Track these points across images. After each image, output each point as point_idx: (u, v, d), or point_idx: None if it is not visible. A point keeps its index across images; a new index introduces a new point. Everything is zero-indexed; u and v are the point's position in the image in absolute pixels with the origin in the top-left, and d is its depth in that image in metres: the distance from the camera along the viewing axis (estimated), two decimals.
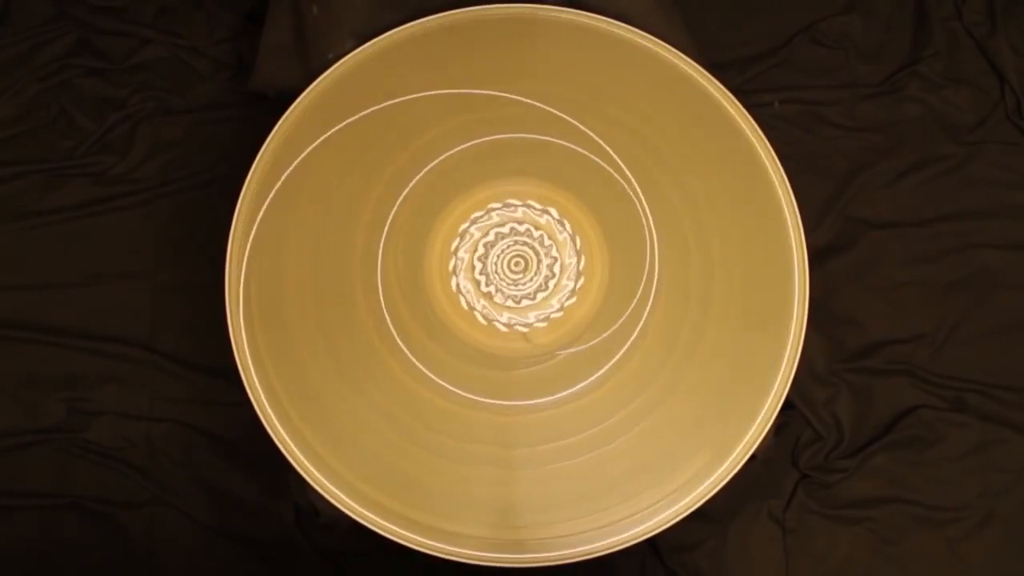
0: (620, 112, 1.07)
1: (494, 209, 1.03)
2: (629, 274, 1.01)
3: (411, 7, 1.13)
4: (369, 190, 1.03)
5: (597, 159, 1.04)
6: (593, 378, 0.97)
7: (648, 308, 1.00)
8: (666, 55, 1.09)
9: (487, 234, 1.02)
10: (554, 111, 1.05)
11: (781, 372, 0.98)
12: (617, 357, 0.98)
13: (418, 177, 1.04)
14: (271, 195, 1.03)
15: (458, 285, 1.01)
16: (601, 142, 1.05)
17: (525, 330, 0.99)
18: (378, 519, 0.93)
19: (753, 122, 1.06)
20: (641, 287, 1.00)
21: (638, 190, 1.03)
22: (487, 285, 1.01)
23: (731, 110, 1.07)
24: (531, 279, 1.01)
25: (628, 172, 1.04)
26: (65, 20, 1.50)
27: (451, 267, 1.01)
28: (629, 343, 0.98)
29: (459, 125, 1.06)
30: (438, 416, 0.97)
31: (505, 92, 1.07)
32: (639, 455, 0.95)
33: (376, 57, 1.08)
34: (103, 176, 1.43)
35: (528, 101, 1.05)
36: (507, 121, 1.06)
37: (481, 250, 1.02)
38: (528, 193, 1.04)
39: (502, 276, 1.01)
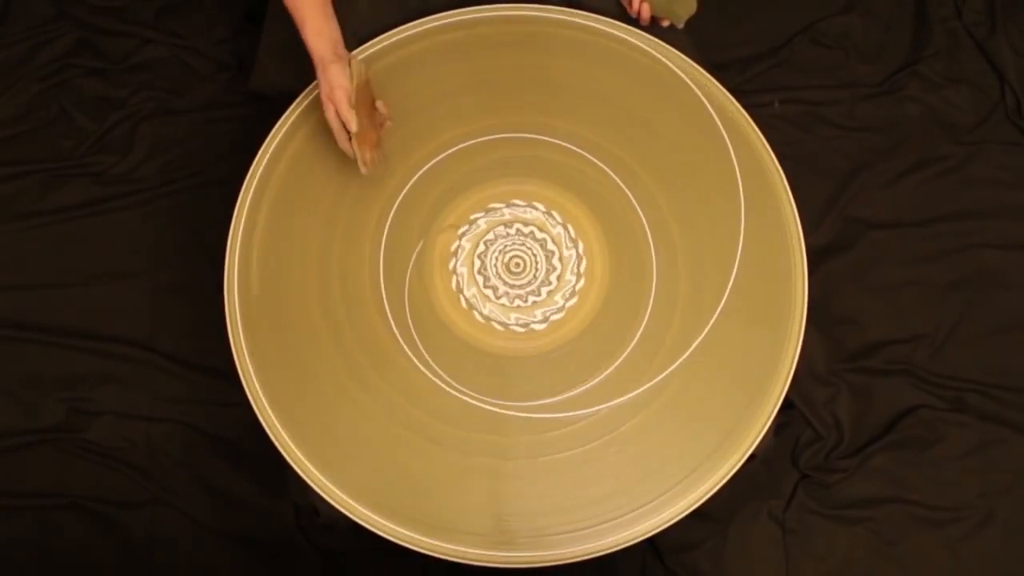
0: (620, 111, 1.07)
1: (489, 212, 1.03)
2: (630, 273, 1.01)
3: (412, 8, 1.13)
4: (369, 188, 1.03)
5: (596, 159, 1.04)
6: (595, 379, 0.97)
7: (648, 309, 1.00)
8: (666, 55, 1.09)
9: (478, 244, 1.02)
10: (559, 142, 1.06)
11: (781, 372, 0.98)
12: (618, 361, 0.98)
13: (417, 177, 1.04)
14: (271, 195, 1.03)
15: (461, 289, 1.00)
16: (599, 140, 1.05)
17: (522, 330, 0.99)
18: (378, 519, 0.93)
19: (753, 122, 1.06)
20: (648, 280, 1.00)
21: (630, 193, 1.03)
22: (486, 285, 1.01)
23: (731, 110, 1.07)
24: (530, 279, 1.01)
25: (626, 172, 1.04)
26: (65, 20, 1.51)
27: (451, 268, 1.01)
28: (630, 346, 0.98)
29: (459, 124, 1.06)
30: (437, 414, 0.96)
31: (505, 92, 1.07)
32: (639, 454, 0.95)
33: (376, 57, 1.08)
34: (103, 176, 1.43)
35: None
36: (506, 122, 1.06)
37: (478, 261, 1.02)
38: (525, 192, 1.04)
39: (501, 276, 1.01)
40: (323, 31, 0.98)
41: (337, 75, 0.95)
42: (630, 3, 1.09)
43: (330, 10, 1.00)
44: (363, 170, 0.97)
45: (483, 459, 0.96)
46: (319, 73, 0.97)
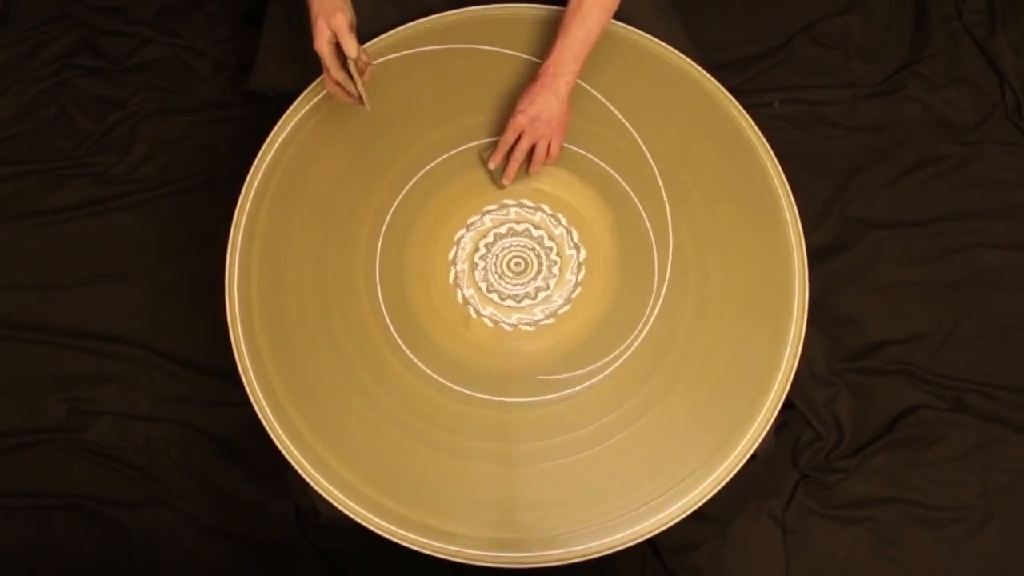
0: (620, 111, 1.07)
1: (489, 211, 1.03)
2: (630, 274, 1.01)
3: (411, 7, 1.13)
4: (368, 189, 1.03)
5: (597, 159, 1.04)
6: (594, 379, 0.97)
7: (649, 308, 1.00)
8: (667, 55, 1.09)
9: (486, 236, 1.02)
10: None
11: (781, 372, 0.98)
12: (619, 358, 0.98)
13: (417, 176, 1.04)
14: (271, 195, 1.03)
15: (458, 285, 1.00)
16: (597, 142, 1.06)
17: (530, 328, 0.99)
18: (378, 519, 0.93)
19: (753, 122, 1.06)
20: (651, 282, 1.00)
21: (630, 192, 1.03)
22: (484, 283, 1.00)
23: (731, 110, 1.07)
24: (531, 279, 1.01)
25: (627, 172, 1.04)
26: (65, 20, 1.51)
27: (451, 268, 1.01)
28: (629, 343, 0.98)
29: (458, 126, 1.06)
30: (438, 414, 0.96)
31: (502, 94, 1.07)
32: (639, 454, 0.95)
33: (376, 57, 1.08)
34: (103, 176, 1.43)
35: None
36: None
37: (482, 250, 1.02)
38: (526, 192, 1.04)
39: (502, 276, 1.01)
40: None
41: (334, 1, 0.94)
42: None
43: None
44: (365, 100, 0.97)
45: (484, 458, 0.96)
46: (313, 1, 0.95)
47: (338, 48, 0.95)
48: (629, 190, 1.05)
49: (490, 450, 0.96)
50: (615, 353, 0.99)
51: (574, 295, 1.01)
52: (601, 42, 1.04)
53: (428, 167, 1.05)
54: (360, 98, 0.98)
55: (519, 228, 1.04)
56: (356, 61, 0.95)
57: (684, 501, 0.94)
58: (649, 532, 0.94)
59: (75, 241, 1.39)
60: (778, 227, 1.03)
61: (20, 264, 1.37)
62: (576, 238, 1.03)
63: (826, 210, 1.39)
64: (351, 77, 0.96)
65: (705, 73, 1.09)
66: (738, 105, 1.07)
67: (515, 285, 1.02)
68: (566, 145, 1.05)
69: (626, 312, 1.01)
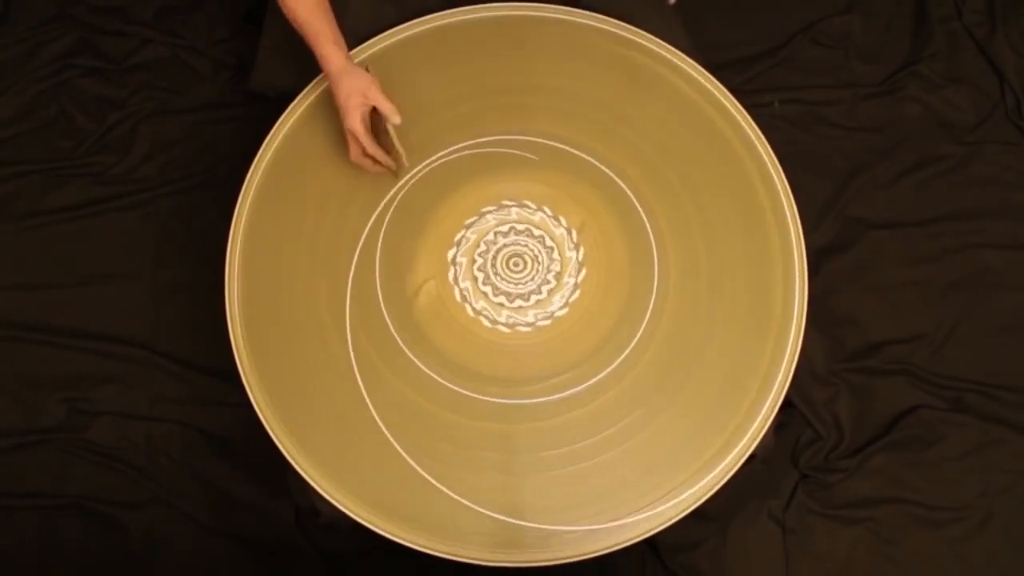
0: (620, 111, 1.07)
1: (488, 212, 1.03)
2: (630, 274, 1.01)
3: (411, 7, 1.13)
4: (369, 188, 1.03)
5: (596, 159, 1.05)
6: (595, 379, 0.97)
7: (649, 309, 1.00)
8: (667, 55, 1.09)
9: (481, 241, 1.02)
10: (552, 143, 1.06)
11: (781, 372, 0.98)
12: (619, 360, 0.98)
13: (417, 174, 1.04)
14: (271, 195, 1.03)
15: (459, 287, 1.00)
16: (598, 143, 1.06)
17: (525, 330, 0.99)
18: (378, 520, 0.93)
19: (753, 122, 1.06)
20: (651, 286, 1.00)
21: (630, 193, 1.04)
22: (486, 285, 1.01)
23: (731, 110, 1.07)
24: (531, 278, 1.01)
25: (627, 172, 1.04)
26: (65, 20, 1.51)
27: (451, 271, 1.01)
28: (631, 346, 0.98)
29: (455, 126, 1.06)
30: (440, 418, 0.97)
31: (505, 95, 1.07)
32: (641, 457, 0.95)
33: (376, 57, 1.08)
34: (103, 176, 1.43)
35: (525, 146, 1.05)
36: (501, 127, 1.06)
37: (480, 256, 1.02)
38: (524, 194, 1.04)
39: (502, 276, 1.01)
40: (338, 40, 1.00)
41: (363, 77, 0.97)
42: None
43: (333, 16, 1.01)
44: (405, 163, 1.00)
45: (485, 461, 0.96)
46: (341, 80, 0.97)
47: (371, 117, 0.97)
48: (627, 191, 1.05)
49: (491, 452, 0.96)
50: (619, 359, 0.99)
51: (574, 295, 1.01)
52: (597, 40, 1.04)
53: (428, 164, 1.05)
54: (399, 162, 1.01)
55: (519, 227, 1.04)
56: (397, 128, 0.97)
57: (684, 501, 0.94)
58: (649, 532, 0.94)
59: (75, 241, 1.39)
60: (778, 227, 1.03)
61: (20, 264, 1.37)
62: (574, 236, 1.03)
63: (826, 210, 1.39)
64: (389, 145, 0.98)
65: (705, 73, 1.09)
66: (738, 105, 1.07)
67: (515, 284, 1.02)
68: (566, 147, 1.05)
69: (624, 314, 1.00)
